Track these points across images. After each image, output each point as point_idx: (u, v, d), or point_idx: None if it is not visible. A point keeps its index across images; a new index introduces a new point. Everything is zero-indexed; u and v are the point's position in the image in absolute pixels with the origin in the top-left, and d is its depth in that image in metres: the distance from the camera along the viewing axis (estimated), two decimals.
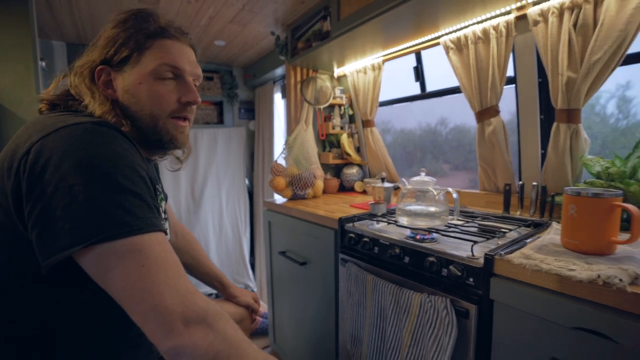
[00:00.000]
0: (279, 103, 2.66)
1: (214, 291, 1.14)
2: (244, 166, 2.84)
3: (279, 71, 2.37)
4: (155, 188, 0.61)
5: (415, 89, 1.77)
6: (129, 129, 0.62)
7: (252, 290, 2.80)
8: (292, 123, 2.05)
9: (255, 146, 2.87)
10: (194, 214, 2.64)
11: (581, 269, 0.65)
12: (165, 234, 0.56)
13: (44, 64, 1.74)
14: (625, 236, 0.72)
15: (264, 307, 2.33)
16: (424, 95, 1.75)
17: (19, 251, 0.52)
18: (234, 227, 2.80)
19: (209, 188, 2.68)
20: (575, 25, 1.01)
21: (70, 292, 0.56)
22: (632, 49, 0.95)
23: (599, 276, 0.61)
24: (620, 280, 0.58)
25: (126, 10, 0.65)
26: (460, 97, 1.43)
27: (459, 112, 1.43)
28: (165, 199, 0.83)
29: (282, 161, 1.87)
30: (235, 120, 2.85)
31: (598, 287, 0.61)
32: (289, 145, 1.90)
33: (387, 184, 1.48)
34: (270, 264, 1.82)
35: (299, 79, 2.04)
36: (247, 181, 2.88)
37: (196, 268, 1.08)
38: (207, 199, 2.67)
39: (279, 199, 1.85)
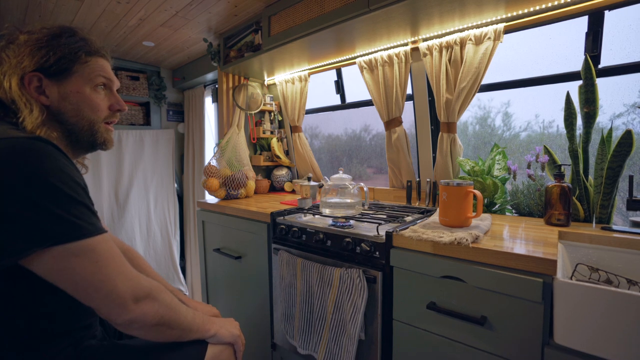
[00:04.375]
0: (209, 107, 2.70)
1: None
2: (173, 168, 2.79)
3: (210, 76, 2.43)
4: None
5: (337, 100, 2.03)
6: (59, 134, 0.70)
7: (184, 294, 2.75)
8: (224, 127, 2.14)
9: (185, 149, 2.85)
10: (118, 218, 2.50)
11: (447, 236, 0.92)
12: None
13: None
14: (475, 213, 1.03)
15: None
16: (344, 105, 2.01)
17: None
18: (163, 231, 2.72)
19: (135, 191, 2.56)
20: (449, 60, 1.35)
21: None
22: (484, 81, 1.31)
23: (455, 239, 0.88)
24: (467, 240, 0.86)
25: (51, 26, 0.70)
26: (375, 108, 1.71)
27: (379, 120, 1.66)
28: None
29: (215, 163, 1.94)
30: (164, 122, 2.78)
31: (455, 246, 0.88)
32: (221, 148, 1.99)
33: (313, 183, 1.68)
34: (205, 263, 1.89)
35: (230, 85, 2.14)
36: (175, 184, 2.83)
37: None
38: (133, 202, 2.55)
39: (211, 199, 1.92)
